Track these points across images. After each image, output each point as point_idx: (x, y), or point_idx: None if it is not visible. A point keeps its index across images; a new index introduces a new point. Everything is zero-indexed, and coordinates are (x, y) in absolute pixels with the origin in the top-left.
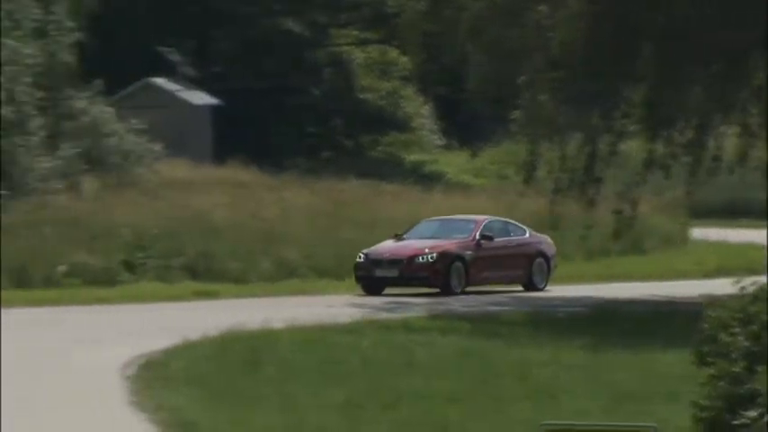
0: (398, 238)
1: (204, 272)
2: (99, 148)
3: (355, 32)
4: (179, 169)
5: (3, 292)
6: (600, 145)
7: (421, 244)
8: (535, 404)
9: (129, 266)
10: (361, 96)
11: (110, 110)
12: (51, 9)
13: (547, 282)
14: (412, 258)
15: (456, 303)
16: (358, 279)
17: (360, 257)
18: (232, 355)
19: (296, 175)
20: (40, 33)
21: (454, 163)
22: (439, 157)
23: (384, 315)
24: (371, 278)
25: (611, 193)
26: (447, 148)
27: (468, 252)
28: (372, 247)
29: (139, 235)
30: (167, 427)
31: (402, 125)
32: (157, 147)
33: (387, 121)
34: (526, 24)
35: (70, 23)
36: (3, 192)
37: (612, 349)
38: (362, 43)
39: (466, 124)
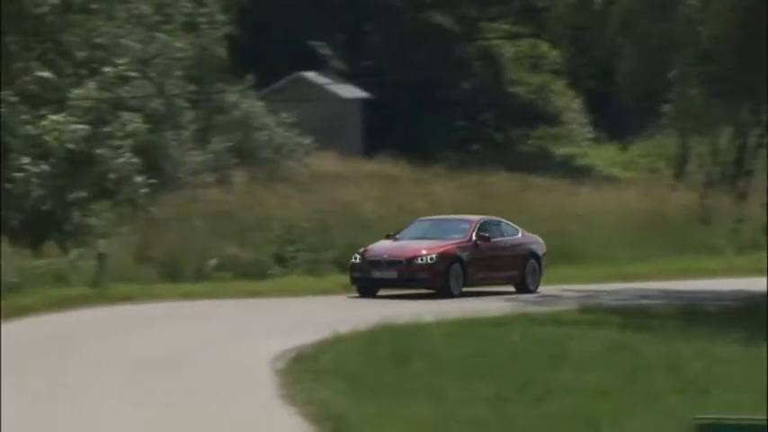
0: (392, 238)
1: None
2: (249, 141)
3: (505, 26)
4: (329, 163)
5: (154, 285)
6: (750, 138)
7: (418, 245)
8: (686, 398)
9: (280, 260)
10: (511, 90)
11: (260, 104)
12: (202, 3)
13: (538, 283)
14: (411, 259)
15: (606, 297)
16: (354, 280)
17: (355, 258)
18: (381, 349)
19: (445, 168)
20: (190, 27)
21: (604, 156)
22: (588, 150)
23: (533, 308)
24: (369, 279)
25: (761, 186)
26: (597, 141)
27: (466, 253)
28: (368, 248)
29: (289, 228)
30: (317, 420)
31: (552, 118)
32: (307, 140)
33: (536, 115)
34: (676, 18)
35: (221, 17)
36: (154, 185)
37: (765, 343)
38: (513, 37)
39: (616, 117)
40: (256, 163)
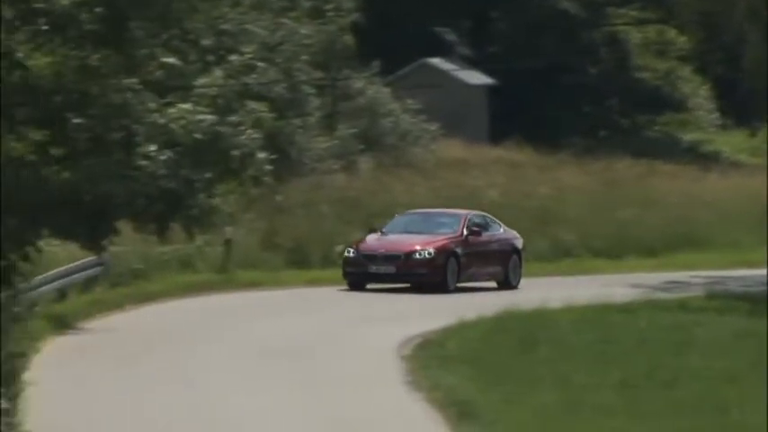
0: (378, 231)
1: None
2: (375, 128)
3: (633, 12)
4: (454, 149)
5: (280, 271)
6: None
7: (411, 239)
8: None
9: None
10: (638, 76)
11: (386, 90)
12: None
13: (520, 279)
14: (410, 254)
15: (733, 283)
16: (347, 275)
17: (349, 252)
18: (508, 335)
19: (570, 154)
20: (317, 13)
21: (731, 142)
22: (715, 136)
23: (660, 295)
24: (364, 274)
25: None
26: (723, 127)
27: (459, 248)
28: (361, 242)
29: None
30: (443, 406)
31: (678, 104)
32: (433, 127)
33: (663, 101)
34: None
35: (348, 4)
36: (281, 171)
37: None
38: (640, 23)
39: (743, 103)
40: (382, 149)
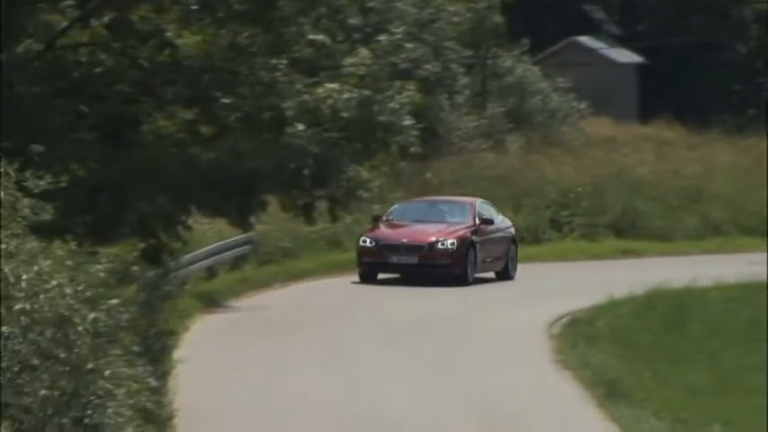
0: (381, 221)
1: (629, 229)
2: (524, 106)
3: None
4: (603, 127)
5: None
6: None
7: (432, 228)
8: None
9: (555, 224)
10: None
11: (535, 68)
12: None
13: (515, 270)
14: (433, 244)
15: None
16: (363, 264)
17: (366, 242)
18: (657, 314)
19: (720, 132)
20: None
21: None
22: None
23: None
24: (384, 264)
25: None
26: None
27: (474, 237)
28: (376, 231)
29: (564, 193)
30: (591, 384)
31: None
32: (582, 105)
33: None
34: None
35: None
36: (429, 150)
37: None
38: None
39: None
40: (531, 127)
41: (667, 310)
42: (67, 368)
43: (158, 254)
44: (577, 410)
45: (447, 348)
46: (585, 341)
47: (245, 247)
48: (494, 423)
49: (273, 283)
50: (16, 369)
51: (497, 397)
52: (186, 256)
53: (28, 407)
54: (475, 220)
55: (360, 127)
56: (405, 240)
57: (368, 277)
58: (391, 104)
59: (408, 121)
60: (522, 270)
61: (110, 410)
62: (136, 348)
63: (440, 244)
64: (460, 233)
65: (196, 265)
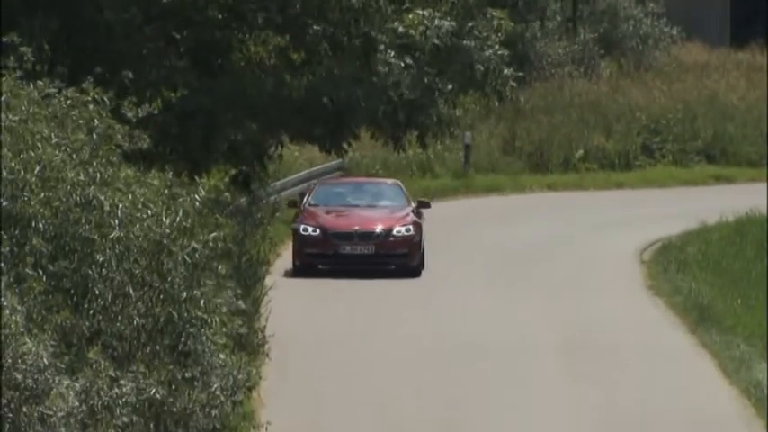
0: (300, 206)
1: (720, 156)
2: (616, 32)
3: None
4: (695, 53)
5: (520, 176)
6: None
7: (381, 214)
8: None
9: (647, 150)
10: None
11: None
12: None
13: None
14: (389, 231)
15: None
16: (306, 256)
17: (307, 230)
18: (748, 240)
19: None
20: None
21: None
22: None
23: None
24: (333, 256)
25: None
26: None
27: (421, 223)
28: (319, 219)
29: (655, 119)
30: (682, 311)
31: None
32: (674, 30)
33: None
34: None
35: None
36: (521, 77)
37: None
38: None
39: None
40: (622, 53)
41: (758, 237)
42: (162, 296)
43: (249, 181)
44: (668, 337)
45: (539, 273)
46: (676, 267)
47: (336, 174)
48: (587, 350)
49: None
50: (110, 296)
51: (590, 324)
52: (277, 183)
53: (121, 333)
54: (411, 203)
55: (452, 63)
56: (357, 228)
57: (309, 269)
58: (489, 52)
59: (507, 71)
60: (612, 196)
61: (203, 338)
62: (228, 276)
63: (396, 230)
64: (412, 218)
65: (287, 192)
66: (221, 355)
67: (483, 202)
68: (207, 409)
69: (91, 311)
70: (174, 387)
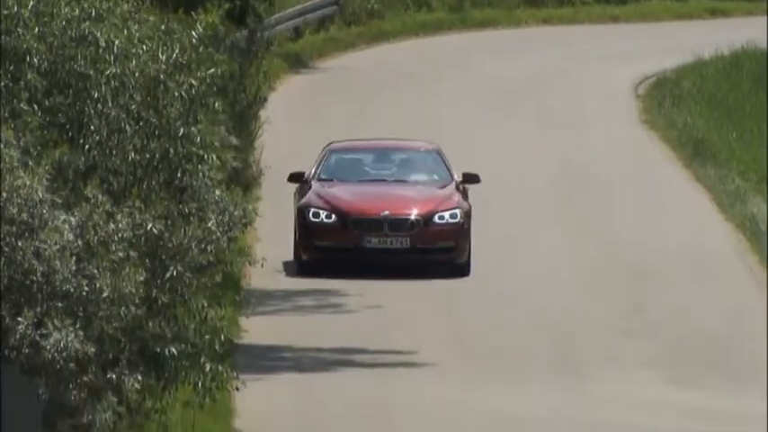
0: (306, 180)
1: None
2: None
3: None
4: None
5: (515, 10)
6: None
7: (413, 193)
8: None
9: None
10: None
11: None
12: None
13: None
14: (429, 217)
15: None
16: (319, 250)
17: (315, 215)
18: (743, 73)
19: None
20: None
21: None
22: None
23: None
24: (357, 251)
25: None
26: None
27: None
28: (334, 200)
29: None
30: (678, 145)
31: None
32: None
33: None
34: None
35: None
36: None
37: None
38: None
39: None
40: None
41: (754, 70)
42: (157, 132)
43: (244, 15)
44: (664, 171)
45: (533, 106)
46: (671, 101)
47: (331, 8)
48: (582, 184)
49: (358, 43)
50: (105, 132)
51: (585, 158)
52: (272, 17)
53: (117, 169)
54: (454, 176)
55: None
56: (387, 213)
57: (323, 267)
58: None
59: None
60: (607, 30)
61: (199, 174)
62: (224, 111)
63: (438, 216)
64: (457, 199)
65: (282, 26)
66: (217, 192)
67: (478, 37)
68: (202, 245)
69: (86, 146)
70: (169, 222)
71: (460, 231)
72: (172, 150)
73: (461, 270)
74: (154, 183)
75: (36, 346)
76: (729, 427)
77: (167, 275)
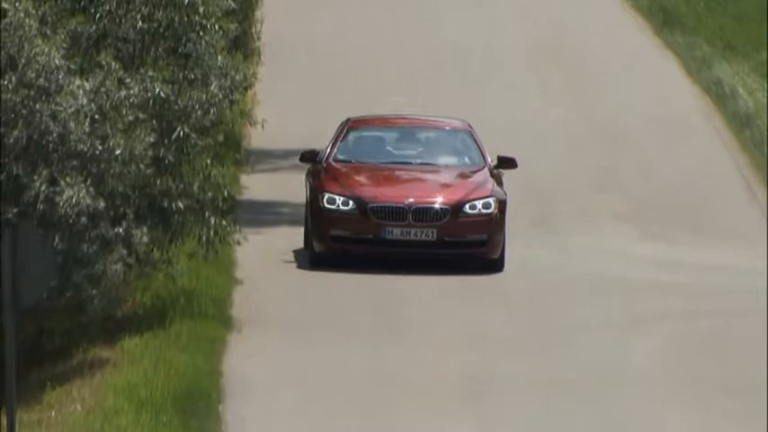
0: (321, 159)
1: None
2: None
3: None
4: None
5: None
6: None
7: (444, 178)
8: None
9: None
10: None
11: None
12: None
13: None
14: (459, 207)
15: None
16: (332, 241)
17: (330, 201)
18: None
19: None
20: None
21: None
22: None
23: None
24: (377, 242)
25: None
26: None
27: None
28: (355, 186)
29: None
30: (648, 14)
31: None
32: None
33: None
34: None
35: None
36: None
37: None
38: None
39: None
40: None
41: None
42: (163, 2)
43: None
44: (634, 40)
45: None
46: None
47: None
48: (559, 53)
49: None
50: (114, 1)
51: (558, 26)
52: None
53: (126, 37)
54: (487, 158)
55: None
56: (411, 201)
57: (336, 258)
58: None
59: None
60: None
61: (203, 42)
62: None
63: (470, 206)
64: (491, 186)
65: None
66: (219, 57)
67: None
68: (206, 107)
69: (98, 15)
70: (175, 87)
71: (494, 223)
72: (177, 19)
73: (495, 266)
74: (161, 50)
75: (51, 202)
76: (696, 276)
77: (174, 136)
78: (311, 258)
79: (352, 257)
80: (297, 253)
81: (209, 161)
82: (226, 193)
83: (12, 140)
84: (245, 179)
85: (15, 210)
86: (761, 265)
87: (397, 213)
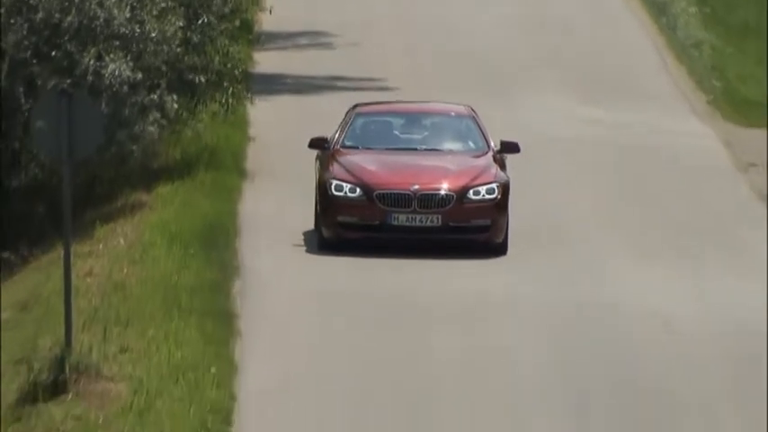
0: (328, 144)
1: None
2: None
3: None
4: None
5: None
6: None
7: (448, 164)
8: None
9: None
10: None
11: None
12: None
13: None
14: (463, 192)
15: None
16: (339, 227)
17: (338, 188)
18: None
19: None
20: None
21: None
22: None
23: None
24: (383, 228)
25: None
26: None
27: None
28: (360, 172)
29: None
30: None
31: None
32: None
33: None
34: None
35: None
36: None
37: None
38: None
39: None
40: None
41: None
42: None
43: None
44: None
45: None
46: None
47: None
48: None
49: None
50: None
51: None
52: None
53: None
54: (490, 144)
55: None
56: (417, 187)
57: (343, 244)
58: None
59: None
60: None
61: None
62: None
63: (473, 192)
64: (494, 172)
65: None
66: None
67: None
68: None
69: None
70: None
71: (498, 208)
72: None
73: (499, 250)
74: None
75: (98, 74)
76: (618, 132)
77: (199, 22)
78: (320, 243)
79: (360, 243)
80: (301, 115)
81: (227, 41)
82: (241, 67)
83: (66, 24)
84: (256, 56)
85: (69, 80)
86: (666, 122)
87: (403, 200)
